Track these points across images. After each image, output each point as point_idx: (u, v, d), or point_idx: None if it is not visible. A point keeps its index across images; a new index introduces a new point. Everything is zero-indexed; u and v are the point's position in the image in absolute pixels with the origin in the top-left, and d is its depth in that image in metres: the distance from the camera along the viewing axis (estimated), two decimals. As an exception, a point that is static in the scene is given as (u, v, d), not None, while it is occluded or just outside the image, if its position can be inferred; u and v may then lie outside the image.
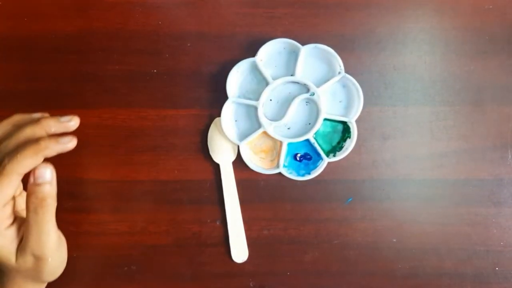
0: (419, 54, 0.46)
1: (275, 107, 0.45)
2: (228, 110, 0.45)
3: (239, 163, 0.45)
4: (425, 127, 0.45)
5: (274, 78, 0.44)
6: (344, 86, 0.45)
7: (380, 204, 0.45)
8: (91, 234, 0.45)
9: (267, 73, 0.44)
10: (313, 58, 0.44)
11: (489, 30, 0.45)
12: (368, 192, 0.45)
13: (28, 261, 0.34)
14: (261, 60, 0.44)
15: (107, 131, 0.45)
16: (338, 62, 0.43)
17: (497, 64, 0.45)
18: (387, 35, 0.46)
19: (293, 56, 0.44)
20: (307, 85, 0.44)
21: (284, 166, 0.45)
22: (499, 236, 0.45)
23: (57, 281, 0.45)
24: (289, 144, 0.45)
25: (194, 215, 0.45)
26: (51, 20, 0.46)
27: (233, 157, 0.45)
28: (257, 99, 0.44)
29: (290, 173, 0.45)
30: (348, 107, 0.45)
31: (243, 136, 0.45)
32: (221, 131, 0.44)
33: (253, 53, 0.44)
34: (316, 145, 0.44)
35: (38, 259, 0.35)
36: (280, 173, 0.44)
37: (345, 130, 0.44)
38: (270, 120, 0.44)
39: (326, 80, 0.44)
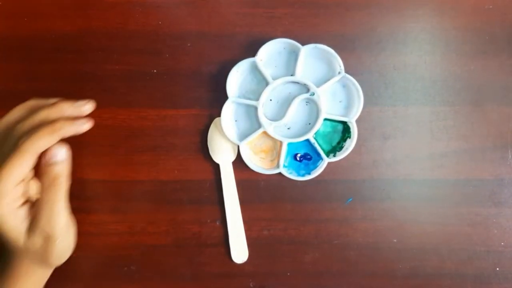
0: (420, 54, 0.46)
1: (275, 107, 0.45)
2: (228, 110, 0.45)
3: (239, 163, 0.45)
4: (425, 127, 0.45)
5: (274, 78, 0.44)
6: (344, 86, 0.44)
7: (380, 204, 0.45)
8: (91, 234, 0.45)
9: (267, 73, 0.44)
10: (313, 58, 0.44)
11: (489, 30, 0.45)
12: (368, 192, 0.45)
13: (37, 242, 0.35)
14: (261, 60, 0.44)
15: (107, 131, 0.45)
16: (338, 62, 0.43)
17: (497, 64, 0.45)
18: (388, 35, 0.46)
19: (293, 56, 0.44)
20: (307, 85, 0.44)
21: (284, 166, 0.45)
22: (499, 236, 0.45)
23: (57, 281, 0.45)
24: (289, 144, 0.45)
25: (194, 215, 0.45)
26: (51, 20, 0.46)
27: (233, 157, 0.45)
28: (257, 99, 0.44)
29: (290, 173, 0.45)
30: (348, 107, 0.44)
31: (243, 136, 0.45)
32: (221, 131, 0.44)
33: (253, 53, 0.44)
34: (316, 145, 0.44)
35: (47, 239, 0.35)
36: (280, 173, 0.44)
37: (345, 130, 0.44)
38: (270, 120, 0.44)
39: (326, 80, 0.44)
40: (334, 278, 0.45)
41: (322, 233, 0.45)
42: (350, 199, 0.45)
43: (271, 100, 0.45)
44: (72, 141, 0.45)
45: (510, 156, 0.45)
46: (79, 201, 0.45)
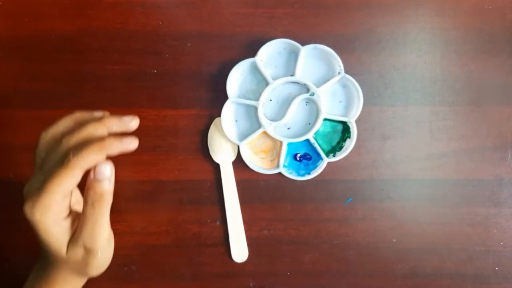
0: (419, 54, 0.46)
1: (275, 107, 0.45)
2: (228, 110, 0.45)
3: (239, 163, 0.45)
4: (425, 127, 0.45)
5: (274, 78, 0.44)
6: (344, 86, 0.45)
7: (380, 204, 0.45)
8: (91, 234, 0.45)
9: (267, 73, 0.44)
10: (313, 58, 0.44)
11: (489, 30, 0.45)
12: (368, 192, 0.45)
13: (78, 253, 0.35)
14: (261, 60, 0.44)
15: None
16: (338, 62, 0.43)
17: (497, 64, 0.45)
18: (387, 35, 0.46)
19: (293, 56, 0.44)
20: (307, 85, 0.44)
21: (284, 166, 0.45)
22: (499, 236, 0.45)
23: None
24: (289, 144, 0.45)
25: (194, 215, 0.45)
26: (51, 20, 0.46)
27: (233, 157, 0.45)
28: (257, 99, 0.44)
29: (290, 173, 0.45)
30: (348, 107, 0.45)
31: (243, 136, 0.45)
32: (221, 131, 0.44)
33: (253, 53, 0.44)
34: (316, 145, 0.44)
35: (89, 252, 0.35)
36: (280, 173, 0.44)
37: (345, 130, 0.44)
38: (270, 120, 0.44)
39: (326, 80, 0.44)
40: (334, 278, 0.45)
41: (322, 233, 0.45)
42: (350, 199, 0.45)
43: (271, 100, 0.45)
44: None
45: (509, 156, 0.45)
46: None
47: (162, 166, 0.45)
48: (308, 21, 0.45)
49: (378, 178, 0.45)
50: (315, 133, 0.44)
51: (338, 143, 0.45)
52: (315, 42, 0.43)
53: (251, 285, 0.45)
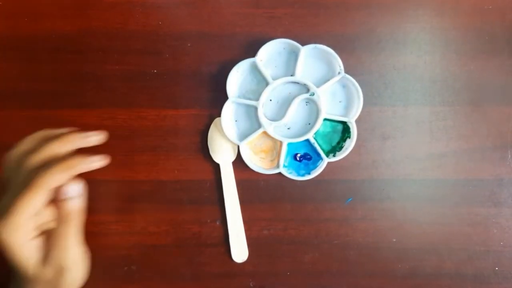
0: (419, 54, 0.46)
1: (275, 107, 0.45)
2: (228, 110, 0.45)
3: (239, 163, 0.45)
4: (425, 127, 0.45)
5: (274, 78, 0.44)
6: (344, 86, 0.45)
7: (380, 204, 0.45)
8: (91, 234, 0.45)
9: (267, 73, 0.44)
10: (313, 58, 0.44)
11: (489, 30, 0.45)
12: (368, 192, 0.45)
13: (49, 272, 0.35)
14: (261, 60, 0.44)
15: (107, 131, 0.45)
16: (338, 63, 0.43)
17: (497, 64, 0.45)
18: (387, 35, 0.46)
19: (293, 56, 0.44)
20: (307, 85, 0.44)
21: (284, 166, 0.45)
22: (499, 236, 0.45)
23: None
24: (289, 144, 0.45)
25: (194, 215, 0.45)
26: (51, 20, 0.46)
27: (233, 157, 0.45)
28: (257, 99, 0.44)
29: (290, 173, 0.45)
30: (348, 107, 0.45)
31: (243, 136, 0.45)
32: (221, 131, 0.44)
33: (253, 53, 0.44)
34: (316, 145, 0.44)
35: (59, 271, 0.35)
36: (280, 173, 0.44)
37: (345, 130, 0.44)
38: (270, 120, 0.44)
39: (326, 80, 0.44)
40: (334, 278, 0.45)
41: (322, 233, 0.45)
42: (350, 199, 0.45)
43: (271, 100, 0.45)
44: (72, 141, 0.45)
45: (509, 156, 0.45)
46: (79, 201, 0.45)
47: (162, 166, 0.45)
48: (308, 21, 0.45)
49: (378, 178, 0.45)
50: (315, 133, 0.44)
51: (338, 143, 0.45)
52: (315, 42, 0.43)
53: (251, 285, 0.45)
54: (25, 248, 0.34)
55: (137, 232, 0.45)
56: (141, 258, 0.45)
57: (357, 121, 0.44)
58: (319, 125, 0.44)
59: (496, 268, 0.45)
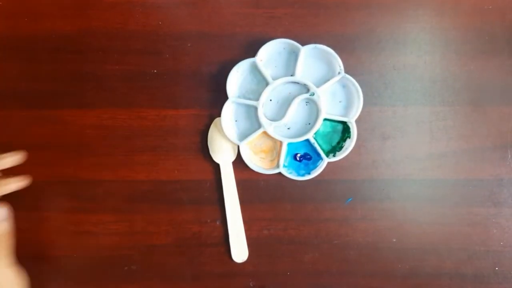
0: (419, 54, 0.46)
1: (275, 107, 0.45)
2: (228, 110, 0.45)
3: (239, 163, 0.45)
4: (424, 127, 0.45)
5: (274, 78, 0.44)
6: (344, 86, 0.45)
7: (380, 204, 0.45)
8: (91, 234, 0.45)
9: (267, 73, 0.44)
10: (313, 59, 0.44)
11: (489, 30, 0.45)
12: (368, 192, 0.45)
13: None
14: (261, 60, 0.44)
15: (107, 131, 0.45)
16: (338, 63, 0.43)
17: (497, 64, 0.45)
18: (387, 35, 0.46)
19: (293, 56, 0.44)
20: (307, 85, 0.44)
21: (284, 166, 0.45)
22: (499, 236, 0.45)
23: (58, 281, 0.45)
24: (289, 144, 0.45)
25: (194, 215, 0.45)
26: (51, 20, 0.46)
27: (233, 157, 0.45)
28: (257, 99, 0.44)
29: (290, 173, 0.45)
30: (348, 107, 0.45)
31: (243, 136, 0.45)
32: (221, 131, 0.44)
33: (253, 53, 0.44)
34: (316, 145, 0.44)
35: None
36: (280, 173, 0.44)
37: (345, 130, 0.44)
38: (270, 120, 0.44)
39: (326, 80, 0.44)
40: (333, 277, 0.45)
41: (322, 233, 0.45)
42: (350, 199, 0.45)
43: (271, 100, 0.45)
44: (73, 141, 0.45)
45: (509, 156, 0.45)
46: (79, 201, 0.45)
47: (162, 166, 0.45)
48: (308, 21, 0.45)
49: (378, 178, 0.45)
50: (315, 133, 0.44)
51: (338, 143, 0.45)
52: (315, 42, 0.43)
53: (251, 285, 0.46)
54: None
55: (137, 232, 0.45)
56: (141, 258, 0.45)
57: (357, 121, 0.44)
58: (319, 125, 0.44)
59: (496, 268, 0.45)
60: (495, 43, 0.45)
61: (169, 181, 0.45)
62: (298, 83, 0.44)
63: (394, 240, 0.45)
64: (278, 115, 0.45)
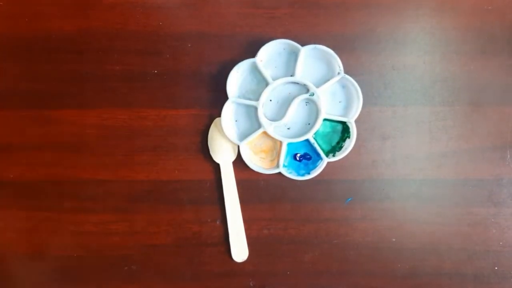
0: (419, 54, 0.46)
1: (275, 107, 0.45)
2: (228, 110, 0.45)
3: (239, 163, 0.45)
4: (424, 127, 0.45)
5: (274, 79, 0.44)
6: (344, 86, 0.45)
7: (380, 204, 0.45)
8: (91, 234, 0.45)
9: (267, 73, 0.44)
10: (312, 59, 0.44)
11: (489, 30, 0.45)
12: (368, 192, 0.45)
13: None
14: (261, 60, 0.44)
15: (107, 131, 0.45)
16: (338, 63, 0.43)
17: (497, 64, 0.45)
18: (387, 35, 0.46)
19: (293, 56, 0.44)
20: (307, 86, 0.44)
21: (284, 166, 0.45)
22: (498, 236, 0.45)
23: (58, 281, 0.45)
24: (289, 144, 0.45)
25: (194, 215, 0.46)
26: (51, 20, 0.46)
27: (233, 157, 0.45)
28: (257, 99, 0.44)
29: (290, 173, 0.45)
30: (347, 107, 0.45)
31: (243, 136, 0.45)
32: (221, 131, 0.45)
33: (253, 54, 0.44)
34: (315, 145, 0.44)
35: None
36: (280, 173, 0.44)
37: (345, 130, 0.44)
38: (270, 120, 0.45)
39: (325, 80, 0.44)
40: (333, 277, 0.45)
41: (321, 233, 0.45)
42: (350, 199, 0.45)
43: (271, 100, 0.45)
44: (73, 141, 0.45)
45: (509, 156, 0.45)
46: (80, 201, 0.45)
47: (162, 166, 0.45)
48: (308, 21, 0.45)
49: (378, 178, 0.45)
50: (315, 133, 0.44)
51: (338, 143, 0.45)
52: (315, 43, 0.43)
53: (251, 284, 0.46)
54: None
55: (137, 232, 0.45)
56: (141, 258, 0.45)
57: (356, 121, 0.44)
58: (319, 125, 0.44)
59: (496, 268, 0.45)
60: (495, 43, 0.45)
61: (169, 181, 0.45)
62: (298, 83, 0.44)
63: (394, 240, 0.45)
64: (278, 115, 0.45)
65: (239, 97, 0.45)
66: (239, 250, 0.45)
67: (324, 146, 0.45)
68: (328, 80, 0.44)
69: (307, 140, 0.44)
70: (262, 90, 0.44)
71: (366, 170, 0.45)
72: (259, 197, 0.46)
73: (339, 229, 0.45)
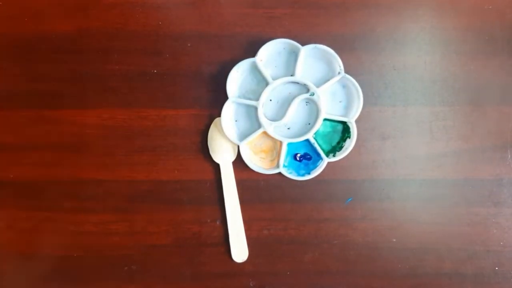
0: (419, 54, 0.46)
1: (275, 107, 0.45)
2: (228, 110, 0.45)
3: (239, 163, 0.45)
4: (424, 127, 0.45)
5: (274, 78, 0.44)
6: (344, 86, 0.45)
7: (380, 204, 0.45)
8: (91, 234, 0.45)
9: (267, 73, 0.44)
10: (313, 59, 0.44)
11: (489, 30, 0.45)
12: (368, 192, 0.45)
13: None
14: (261, 60, 0.44)
15: (107, 131, 0.45)
16: (338, 63, 0.43)
17: (497, 64, 0.45)
18: (387, 35, 0.46)
19: (293, 56, 0.44)
20: (307, 85, 0.44)
21: (284, 166, 0.45)
22: (499, 236, 0.45)
23: (58, 281, 0.45)
24: (289, 144, 0.45)
25: (194, 215, 0.46)
26: (51, 20, 0.46)
27: (233, 157, 0.45)
28: (257, 99, 0.44)
29: (290, 173, 0.45)
30: (347, 107, 0.45)
31: (243, 136, 0.45)
32: (221, 131, 0.44)
33: (253, 53, 0.44)
34: (316, 145, 0.44)
35: None
36: (280, 173, 0.44)
37: (345, 130, 0.44)
38: (270, 120, 0.45)
39: (326, 80, 0.44)
40: (333, 277, 0.45)
41: (321, 233, 0.45)
42: (350, 199, 0.45)
43: (271, 100, 0.45)
44: (73, 141, 0.45)
45: (509, 156, 0.45)
46: (80, 201, 0.45)
47: (162, 166, 0.45)
48: (308, 21, 0.45)
49: (378, 178, 0.45)
50: (315, 133, 0.44)
51: (338, 143, 0.45)
52: (315, 42, 0.43)
53: (251, 285, 0.46)
54: None
55: (137, 232, 0.45)
56: (141, 258, 0.45)
57: (357, 121, 0.44)
58: (319, 125, 0.44)
59: (496, 268, 0.45)
60: (495, 43, 0.46)
61: (169, 181, 0.45)
62: (298, 83, 0.44)
63: (394, 240, 0.45)
64: (278, 115, 0.45)
65: (239, 97, 0.45)
66: (239, 250, 0.45)
67: (324, 146, 0.45)
68: (329, 80, 0.44)
69: (307, 140, 0.44)
70: (262, 90, 0.44)
71: (366, 170, 0.45)
72: (259, 197, 0.46)
73: (339, 229, 0.45)
